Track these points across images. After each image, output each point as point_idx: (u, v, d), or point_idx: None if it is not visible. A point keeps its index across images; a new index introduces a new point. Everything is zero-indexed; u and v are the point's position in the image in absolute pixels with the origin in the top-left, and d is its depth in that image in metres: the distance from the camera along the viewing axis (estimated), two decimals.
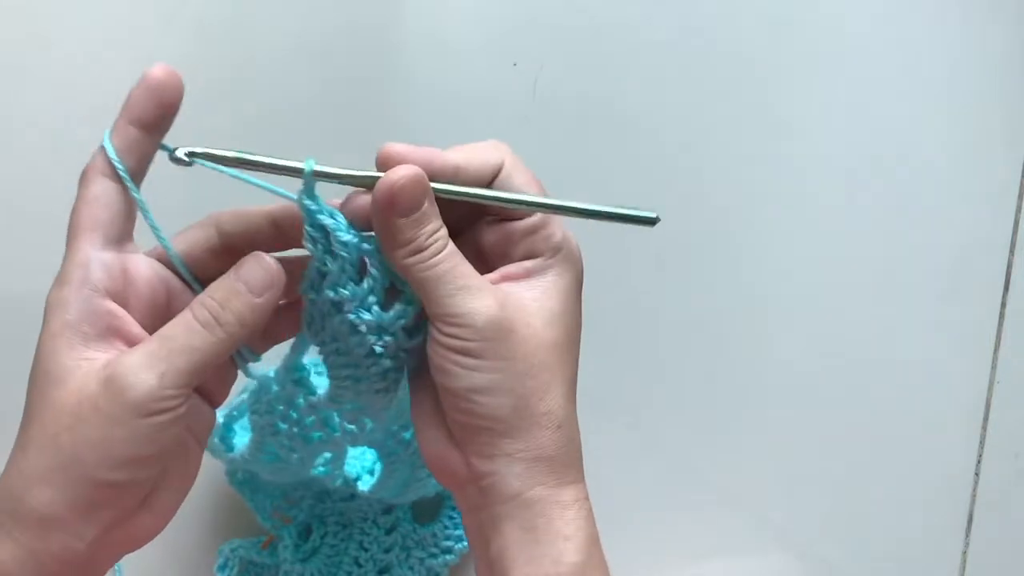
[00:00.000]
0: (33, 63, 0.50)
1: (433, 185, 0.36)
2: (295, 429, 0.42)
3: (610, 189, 0.60)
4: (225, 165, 0.35)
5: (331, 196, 0.37)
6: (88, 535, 0.33)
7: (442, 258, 0.35)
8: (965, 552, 0.69)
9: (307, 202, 0.35)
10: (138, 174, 0.35)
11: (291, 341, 0.40)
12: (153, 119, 0.34)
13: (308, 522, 0.57)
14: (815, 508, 0.66)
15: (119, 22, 0.53)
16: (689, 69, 0.60)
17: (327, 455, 0.48)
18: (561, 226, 0.38)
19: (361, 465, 0.52)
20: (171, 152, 0.36)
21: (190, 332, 0.34)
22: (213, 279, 0.37)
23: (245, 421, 0.48)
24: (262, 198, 0.37)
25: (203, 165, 0.35)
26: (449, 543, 0.58)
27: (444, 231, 0.36)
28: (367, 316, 0.36)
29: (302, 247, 0.37)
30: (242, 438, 0.49)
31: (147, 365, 0.33)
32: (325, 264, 0.36)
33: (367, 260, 0.37)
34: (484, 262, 0.38)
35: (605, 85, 0.59)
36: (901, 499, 0.67)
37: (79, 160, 0.35)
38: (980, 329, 0.67)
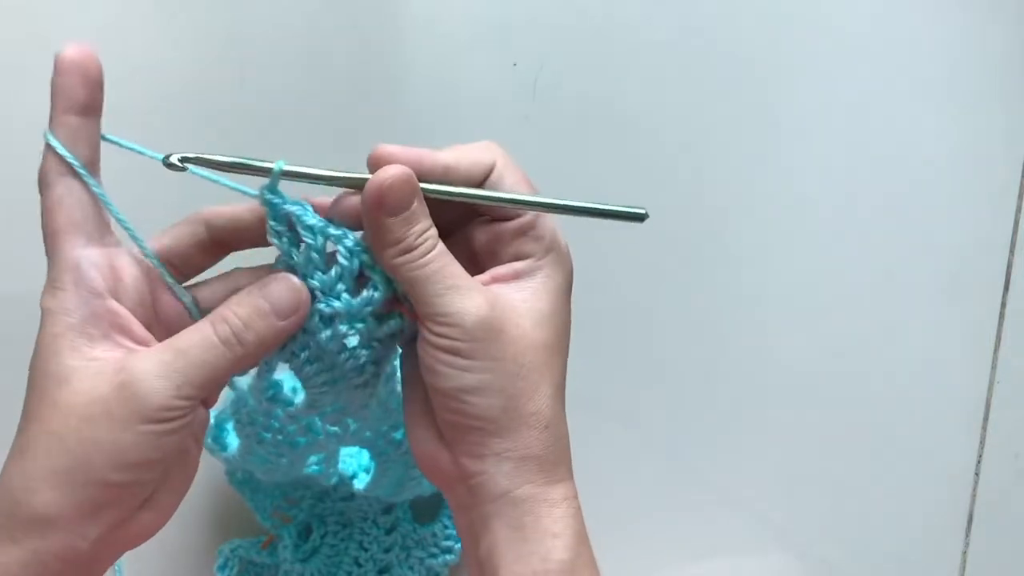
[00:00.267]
0: (33, 63, 0.50)
1: (423, 185, 0.36)
2: (279, 437, 0.42)
3: (610, 189, 0.60)
4: (218, 168, 0.35)
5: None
6: (91, 535, 0.33)
7: (432, 258, 0.35)
8: (965, 552, 0.69)
9: (269, 196, 0.35)
10: (92, 163, 0.35)
11: None
12: (86, 100, 0.34)
13: (308, 522, 0.57)
14: (815, 508, 0.66)
15: (119, 23, 0.53)
16: (689, 69, 0.60)
17: (319, 455, 0.48)
18: (551, 228, 0.38)
19: (357, 463, 0.52)
20: (164, 159, 0.35)
21: (209, 347, 0.34)
22: (197, 273, 0.37)
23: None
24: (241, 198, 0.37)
25: (194, 172, 0.36)
26: (449, 543, 0.58)
27: (434, 231, 0.36)
28: (337, 304, 0.36)
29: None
30: (235, 438, 0.49)
31: (163, 375, 0.33)
32: (292, 257, 0.36)
33: (336, 248, 0.37)
34: (475, 263, 0.39)
35: (605, 85, 0.59)
36: (901, 499, 0.67)
37: None
38: (980, 329, 0.67)
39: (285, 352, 0.37)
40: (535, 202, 0.37)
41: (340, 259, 0.36)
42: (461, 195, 0.37)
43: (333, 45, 0.55)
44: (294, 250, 0.36)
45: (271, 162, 0.35)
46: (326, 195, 0.38)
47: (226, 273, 0.39)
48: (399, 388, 0.42)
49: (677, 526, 0.64)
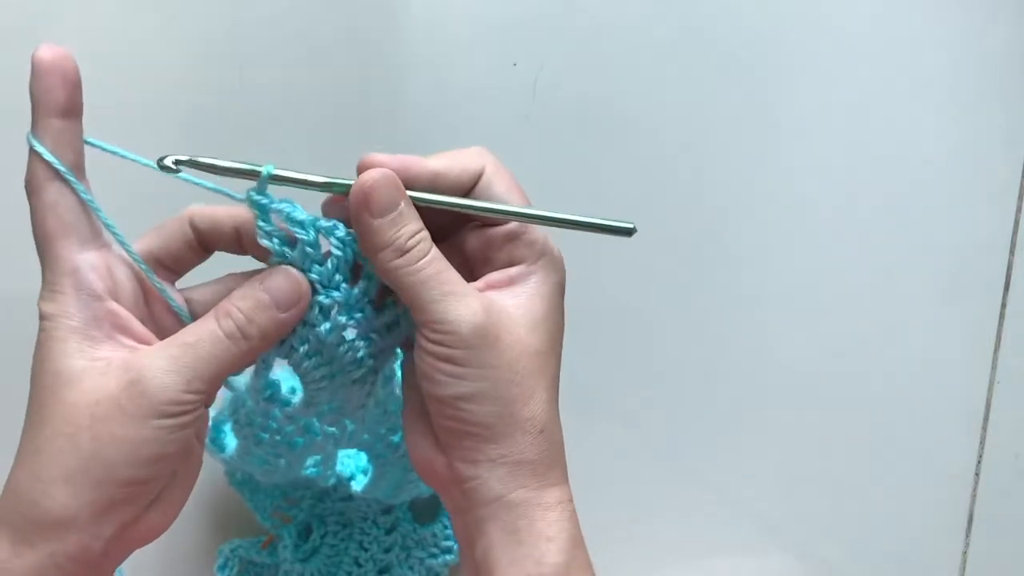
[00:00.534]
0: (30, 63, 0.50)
1: (411, 193, 0.36)
2: (277, 437, 0.42)
3: (610, 189, 0.60)
4: (211, 172, 0.36)
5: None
6: (105, 534, 0.33)
7: (427, 262, 0.36)
8: (965, 552, 0.69)
9: (257, 198, 0.36)
10: (78, 166, 0.34)
11: None
12: (67, 102, 0.33)
13: (308, 522, 0.57)
14: (815, 508, 0.66)
15: (119, 23, 0.53)
16: (689, 69, 0.60)
17: (317, 456, 0.48)
18: (542, 232, 0.38)
19: (355, 464, 0.52)
20: (159, 161, 0.36)
21: (216, 342, 0.34)
22: (189, 269, 0.38)
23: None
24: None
25: (183, 178, 0.36)
26: (449, 543, 0.58)
27: (426, 234, 0.36)
28: (336, 294, 0.37)
29: (260, 255, 0.38)
30: (233, 439, 0.49)
31: (173, 370, 0.33)
32: (285, 256, 0.36)
33: (329, 241, 0.37)
34: (468, 268, 0.39)
35: (605, 85, 0.59)
36: (901, 499, 0.67)
37: None
38: (980, 329, 0.67)
39: (283, 347, 0.37)
40: (522, 213, 0.37)
41: (333, 250, 0.37)
42: (449, 204, 0.37)
43: (333, 45, 0.55)
44: (287, 248, 0.36)
45: (260, 166, 0.35)
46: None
47: (219, 279, 0.39)
48: (398, 391, 0.42)
49: (677, 526, 0.64)
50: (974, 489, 0.69)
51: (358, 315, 0.37)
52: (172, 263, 0.38)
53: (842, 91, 0.62)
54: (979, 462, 0.68)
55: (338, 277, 0.37)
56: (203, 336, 0.34)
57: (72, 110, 0.34)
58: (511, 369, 0.36)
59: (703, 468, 0.64)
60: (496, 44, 0.57)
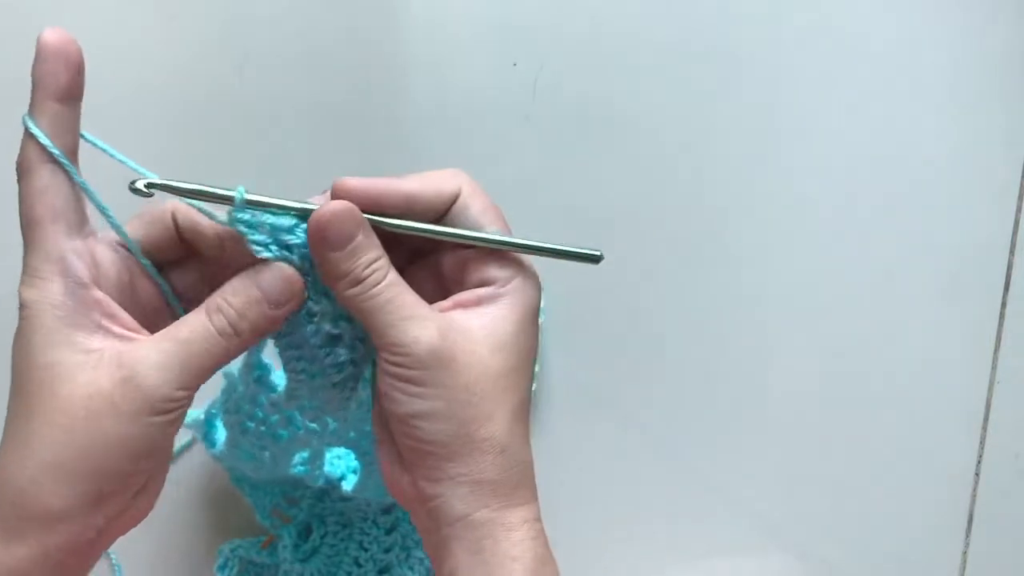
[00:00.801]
0: (31, 62, 0.50)
1: (377, 219, 0.36)
2: (262, 428, 0.43)
3: (610, 189, 0.60)
4: (182, 196, 0.36)
5: None
6: (97, 524, 0.34)
7: (381, 289, 0.36)
8: (965, 552, 0.69)
9: (240, 215, 0.36)
10: (72, 151, 0.34)
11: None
12: (68, 85, 0.33)
13: (308, 522, 0.57)
14: (815, 508, 0.66)
15: (119, 24, 0.53)
16: (689, 69, 0.60)
17: (304, 454, 0.48)
18: (517, 255, 0.38)
19: (346, 464, 0.53)
20: (131, 185, 0.35)
21: (208, 338, 0.35)
22: (170, 262, 0.38)
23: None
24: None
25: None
26: None
27: (384, 261, 0.36)
28: (325, 302, 0.37)
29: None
30: (223, 434, 0.49)
31: (166, 366, 0.33)
32: (287, 261, 0.36)
33: None
34: (443, 287, 0.39)
35: (605, 85, 0.59)
36: (901, 499, 0.67)
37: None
38: (980, 329, 0.67)
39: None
40: (489, 240, 0.38)
41: None
42: (415, 230, 0.37)
43: (333, 45, 0.55)
44: (286, 253, 0.36)
45: (232, 190, 0.35)
46: None
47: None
48: None
49: (677, 526, 0.64)
50: (974, 489, 0.69)
51: (343, 323, 0.38)
52: (155, 252, 0.38)
53: (842, 91, 0.62)
54: (979, 462, 0.68)
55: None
56: (195, 332, 0.35)
57: (72, 95, 0.34)
58: (467, 390, 0.36)
59: (703, 468, 0.64)
60: (496, 44, 0.57)
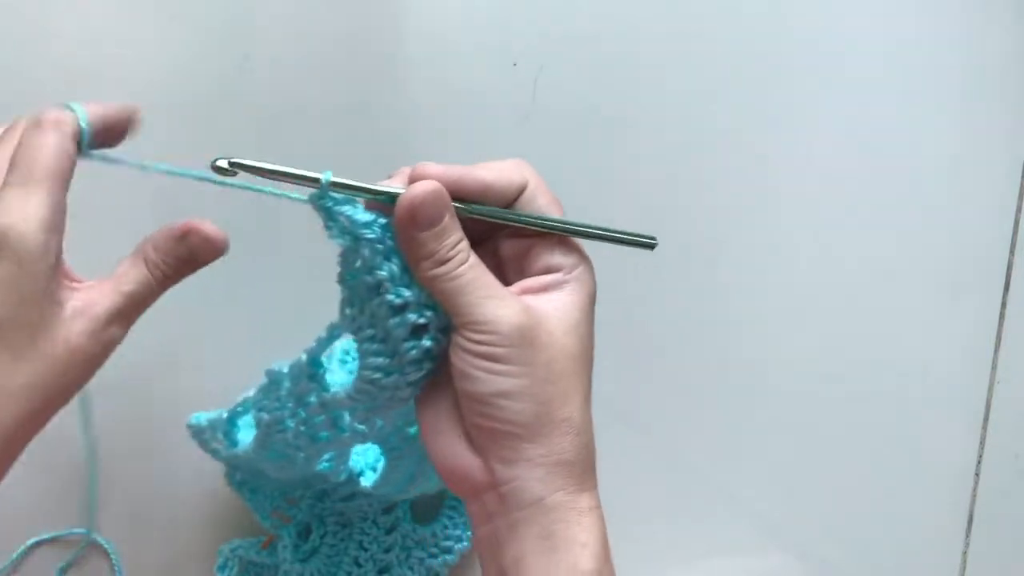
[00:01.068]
0: (32, 63, 0.50)
1: (461, 205, 0.37)
2: (302, 428, 0.42)
3: (610, 189, 0.60)
4: (264, 176, 0.36)
5: None
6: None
7: (466, 269, 0.36)
8: (965, 552, 0.69)
9: (321, 200, 0.36)
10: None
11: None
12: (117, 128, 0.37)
13: (308, 522, 0.57)
14: (815, 508, 0.66)
15: (119, 23, 0.53)
16: (689, 69, 0.60)
17: (331, 451, 0.48)
18: (578, 243, 0.39)
19: (364, 461, 0.52)
20: (213, 162, 0.36)
21: (147, 287, 0.38)
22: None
23: (249, 418, 0.48)
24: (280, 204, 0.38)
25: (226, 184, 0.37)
26: (449, 543, 0.58)
27: (466, 243, 0.37)
28: (407, 293, 0.37)
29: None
30: (246, 435, 0.48)
31: (120, 318, 0.37)
32: (357, 251, 0.37)
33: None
34: (501, 274, 0.39)
35: (605, 85, 0.59)
36: (901, 499, 0.67)
37: None
38: (980, 329, 0.67)
39: (353, 325, 0.38)
40: (563, 227, 0.39)
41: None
42: (498, 216, 0.38)
43: (333, 44, 0.55)
44: (360, 243, 0.36)
45: (319, 173, 0.36)
46: None
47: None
48: None
49: (677, 526, 0.64)
50: (974, 489, 0.69)
51: (429, 312, 0.37)
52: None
53: (842, 91, 0.62)
54: (979, 462, 0.68)
55: (408, 276, 0.37)
56: (138, 286, 0.38)
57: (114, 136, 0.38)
58: (548, 368, 0.36)
59: (703, 468, 0.64)
60: (496, 44, 0.57)
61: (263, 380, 0.43)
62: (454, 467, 0.38)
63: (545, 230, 0.39)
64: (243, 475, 0.54)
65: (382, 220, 0.37)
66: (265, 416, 0.43)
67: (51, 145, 0.35)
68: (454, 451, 0.38)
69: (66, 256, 0.36)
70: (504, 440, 0.36)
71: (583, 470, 0.37)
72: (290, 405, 0.42)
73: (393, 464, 0.50)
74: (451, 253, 0.36)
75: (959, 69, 0.64)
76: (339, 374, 0.49)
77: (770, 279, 0.63)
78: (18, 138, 0.36)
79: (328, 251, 0.38)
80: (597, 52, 0.59)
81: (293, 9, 0.55)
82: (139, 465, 0.54)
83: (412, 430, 0.47)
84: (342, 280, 0.38)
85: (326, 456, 0.48)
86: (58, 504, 0.53)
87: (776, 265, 0.63)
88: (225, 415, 0.49)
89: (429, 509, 0.59)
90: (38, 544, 0.54)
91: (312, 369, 0.41)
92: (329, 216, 0.36)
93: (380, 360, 0.38)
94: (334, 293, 0.39)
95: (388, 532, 0.58)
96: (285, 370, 0.41)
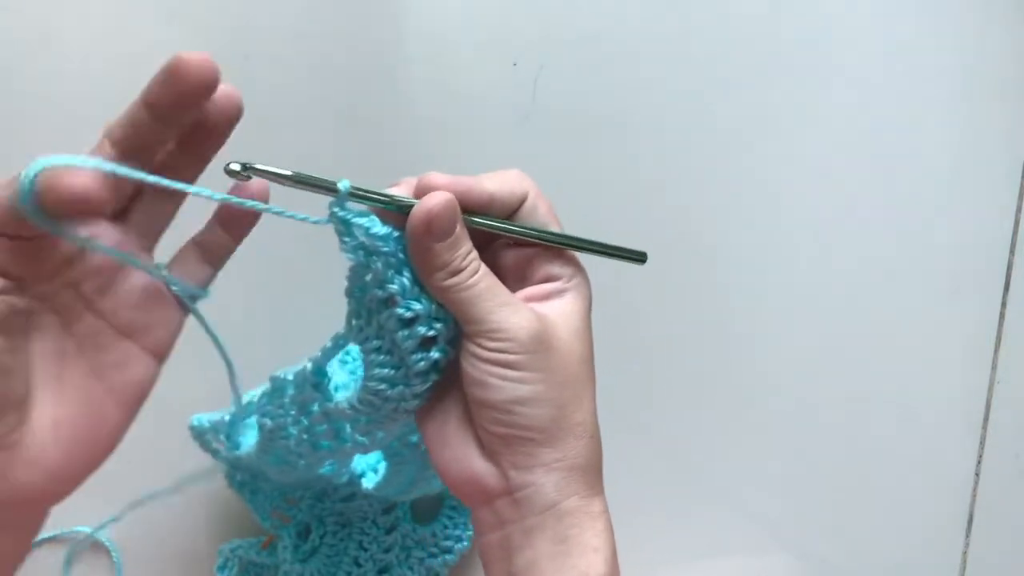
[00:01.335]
0: (32, 62, 0.50)
1: (470, 218, 0.37)
2: (304, 436, 0.42)
3: (609, 189, 0.60)
4: (281, 182, 0.35)
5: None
6: None
7: (479, 278, 0.37)
8: (965, 552, 0.69)
9: (341, 213, 0.36)
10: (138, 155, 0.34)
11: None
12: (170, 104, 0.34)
13: (307, 522, 0.57)
14: (815, 508, 0.66)
15: (119, 23, 0.53)
16: (689, 69, 0.60)
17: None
18: (574, 254, 0.40)
19: (366, 462, 0.52)
20: (226, 166, 0.35)
21: None
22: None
23: (252, 421, 0.48)
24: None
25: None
26: (448, 543, 0.58)
27: (475, 253, 0.37)
28: (417, 306, 0.37)
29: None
30: (249, 438, 0.48)
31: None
32: (368, 266, 0.36)
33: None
34: (503, 282, 0.39)
35: (605, 85, 0.59)
36: (901, 499, 0.67)
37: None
38: (980, 329, 0.67)
39: (360, 335, 0.38)
40: (561, 241, 0.39)
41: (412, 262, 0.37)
42: (502, 228, 0.38)
43: (333, 45, 0.55)
44: (371, 258, 0.36)
45: (336, 181, 0.35)
46: None
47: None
48: None
49: (677, 526, 0.64)
50: (974, 489, 0.69)
51: (438, 325, 0.37)
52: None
53: (842, 91, 0.62)
54: (979, 462, 0.68)
55: (419, 288, 0.37)
56: None
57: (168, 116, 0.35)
58: (563, 373, 0.37)
59: (704, 468, 0.64)
60: (496, 44, 0.57)
61: (267, 385, 0.43)
62: (466, 476, 0.38)
63: (543, 243, 0.39)
64: (243, 476, 0.54)
65: (395, 233, 0.36)
66: (268, 422, 0.43)
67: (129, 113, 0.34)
68: (466, 460, 0.38)
69: None
70: (520, 446, 0.37)
71: (594, 475, 0.38)
72: (293, 412, 0.42)
73: (395, 469, 0.50)
74: (464, 263, 0.36)
75: (959, 69, 0.64)
76: (340, 374, 0.49)
77: (770, 279, 0.63)
78: None
79: (329, 251, 0.38)
80: (597, 52, 0.59)
81: (293, 9, 0.55)
82: (139, 465, 0.54)
83: (414, 438, 0.47)
84: (350, 293, 0.38)
85: (328, 462, 0.48)
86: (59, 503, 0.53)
87: (776, 265, 0.63)
88: (227, 417, 0.48)
89: (429, 509, 0.59)
90: (40, 542, 0.54)
91: (316, 379, 0.40)
92: (347, 229, 0.36)
93: (386, 371, 0.38)
94: (337, 292, 0.38)
95: (388, 532, 0.58)
96: (290, 377, 0.41)
